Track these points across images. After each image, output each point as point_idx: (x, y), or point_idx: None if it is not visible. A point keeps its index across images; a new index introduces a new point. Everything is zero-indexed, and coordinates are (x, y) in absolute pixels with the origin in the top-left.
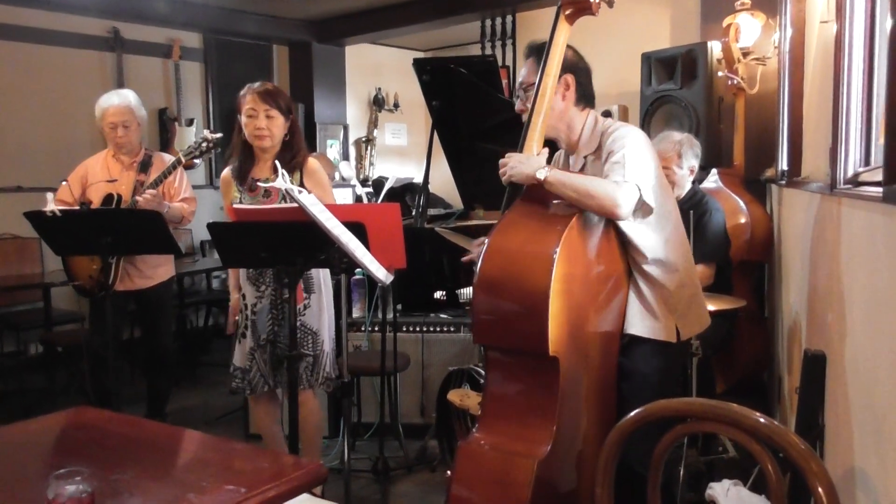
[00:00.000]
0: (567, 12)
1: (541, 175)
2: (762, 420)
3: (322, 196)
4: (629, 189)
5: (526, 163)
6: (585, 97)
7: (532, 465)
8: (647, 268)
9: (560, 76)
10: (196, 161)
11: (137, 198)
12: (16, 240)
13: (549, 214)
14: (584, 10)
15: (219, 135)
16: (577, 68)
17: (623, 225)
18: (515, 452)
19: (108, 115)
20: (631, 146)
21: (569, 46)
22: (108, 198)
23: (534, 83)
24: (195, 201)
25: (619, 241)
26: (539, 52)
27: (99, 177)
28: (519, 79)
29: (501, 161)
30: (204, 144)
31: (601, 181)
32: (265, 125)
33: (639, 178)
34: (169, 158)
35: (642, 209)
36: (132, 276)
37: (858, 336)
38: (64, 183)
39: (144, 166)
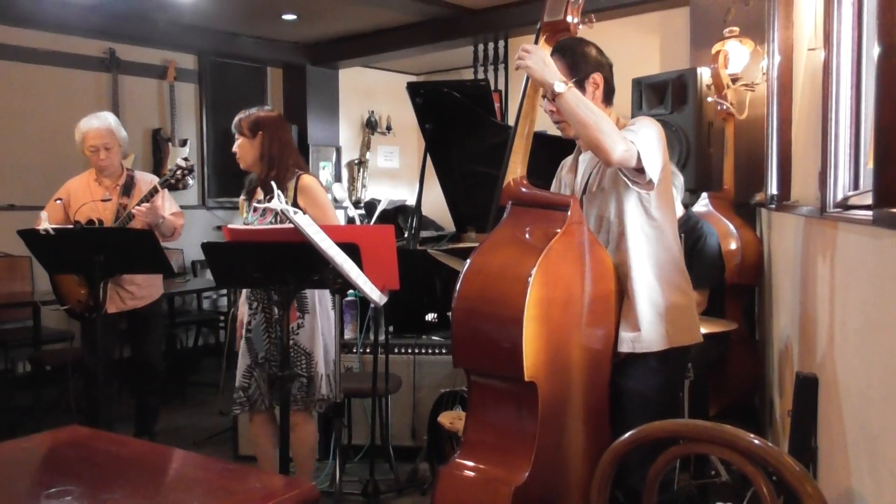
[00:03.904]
0: (546, 35)
1: (559, 88)
2: (756, 441)
3: (320, 214)
4: (631, 148)
5: (548, 67)
6: (610, 94)
7: (509, 491)
8: (634, 237)
9: (590, 75)
10: (189, 181)
11: (133, 210)
12: (7, 258)
13: (530, 237)
14: (563, 31)
15: (192, 162)
16: (603, 66)
17: (625, 206)
18: (494, 478)
19: (88, 138)
20: (648, 127)
21: (592, 44)
22: (90, 223)
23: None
24: (183, 216)
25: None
26: (564, 50)
27: (82, 200)
28: None
29: (523, 49)
30: (179, 172)
31: (613, 125)
32: (235, 148)
33: (645, 148)
34: (150, 178)
35: (639, 180)
36: (123, 298)
37: (850, 358)
38: (58, 202)
39: (127, 189)
